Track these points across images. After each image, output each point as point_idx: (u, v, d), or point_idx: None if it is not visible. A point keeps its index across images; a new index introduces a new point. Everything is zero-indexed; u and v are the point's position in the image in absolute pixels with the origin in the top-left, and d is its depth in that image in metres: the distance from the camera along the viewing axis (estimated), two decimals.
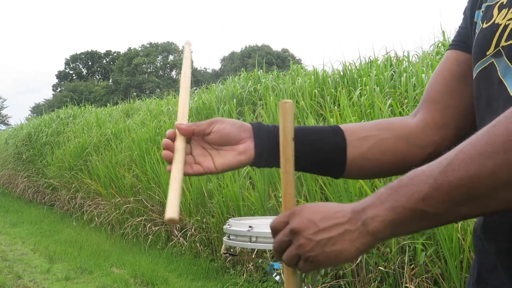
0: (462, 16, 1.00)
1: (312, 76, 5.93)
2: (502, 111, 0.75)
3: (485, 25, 0.85)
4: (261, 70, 7.35)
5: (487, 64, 0.84)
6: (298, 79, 6.03)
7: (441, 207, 0.64)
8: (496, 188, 0.61)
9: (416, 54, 5.50)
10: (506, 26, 0.81)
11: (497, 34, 0.82)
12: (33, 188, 11.85)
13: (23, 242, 7.18)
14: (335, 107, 4.76)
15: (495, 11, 0.84)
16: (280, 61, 44.39)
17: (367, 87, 4.67)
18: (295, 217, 0.73)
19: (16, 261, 5.98)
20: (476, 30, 0.89)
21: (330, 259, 0.70)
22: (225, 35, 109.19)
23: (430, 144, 0.96)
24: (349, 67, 5.67)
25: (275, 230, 0.76)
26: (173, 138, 0.91)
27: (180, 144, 0.88)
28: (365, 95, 4.58)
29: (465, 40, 0.96)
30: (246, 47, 53.72)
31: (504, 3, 0.83)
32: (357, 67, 5.68)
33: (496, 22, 0.83)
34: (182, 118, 0.93)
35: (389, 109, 4.08)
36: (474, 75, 0.88)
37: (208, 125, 0.91)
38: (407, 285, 3.27)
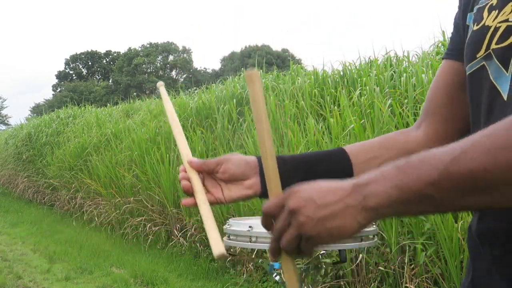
0: (453, 22, 0.99)
1: (312, 76, 5.93)
2: (497, 115, 0.75)
3: (475, 27, 0.85)
4: (261, 70, 7.35)
5: (478, 66, 0.83)
6: (298, 79, 6.03)
7: (448, 195, 0.63)
8: (509, 184, 0.60)
9: (416, 54, 5.50)
10: (496, 29, 0.80)
11: (488, 36, 0.81)
12: (33, 188, 11.85)
13: (23, 242, 7.18)
14: (335, 107, 4.76)
15: (485, 13, 0.83)
16: (280, 61, 44.38)
17: (367, 87, 4.67)
18: (291, 198, 0.70)
19: (16, 261, 5.98)
20: (469, 32, 0.89)
21: (332, 235, 0.68)
22: (225, 35, 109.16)
23: None
24: (349, 67, 5.67)
25: (268, 214, 0.73)
26: (184, 170, 0.98)
27: (196, 180, 0.94)
28: (365, 95, 4.58)
29: (458, 47, 0.95)
30: (246, 47, 53.74)
31: (494, 4, 0.82)
32: (357, 67, 5.68)
33: (486, 24, 0.82)
34: (185, 151, 1.01)
35: (389, 109, 4.08)
36: (466, 77, 0.87)
37: (215, 165, 0.96)
38: (407, 285, 3.27)
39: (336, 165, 0.95)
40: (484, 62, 0.82)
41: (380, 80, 4.84)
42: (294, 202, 0.69)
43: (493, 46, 0.80)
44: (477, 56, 0.83)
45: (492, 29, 0.81)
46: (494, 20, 0.81)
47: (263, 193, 0.95)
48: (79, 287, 4.88)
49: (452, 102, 0.96)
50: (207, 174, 0.97)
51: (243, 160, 0.96)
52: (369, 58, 5.91)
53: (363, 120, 4.15)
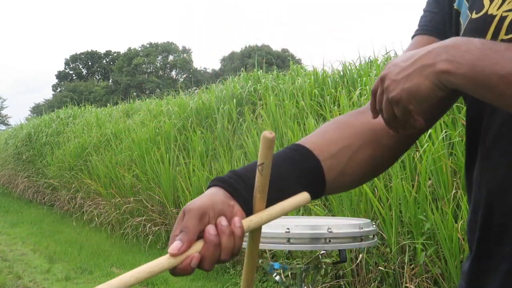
0: (430, 0, 0.94)
1: (312, 76, 5.93)
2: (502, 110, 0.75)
3: (475, 16, 0.81)
4: (261, 70, 7.34)
5: None
6: (298, 79, 6.03)
7: (510, 92, 0.65)
8: None
9: None
10: (503, 18, 0.77)
11: (493, 26, 0.78)
12: (33, 188, 11.85)
13: (23, 242, 7.18)
14: (335, 107, 4.76)
15: (486, 1, 0.80)
16: (280, 61, 44.38)
17: (367, 87, 4.67)
18: (386, 67, 0.75)
19: (16, 261, 5.98)
20: (461, 19, 0.85)
21: (410, 95, 0.70)
22: (225, 35, 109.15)
23: (402, 141, 0.90)
24: (349, 67, 5.67)
25: (374, 92, 0.78)
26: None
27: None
28: (365, 95, 4.58)
29: (439, 26, 0.90)
30: (246, 47, 53.73)
31: None
32: (357, 67, 5.68)
33: (489, 13, 0.79)
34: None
35: None
36: None
37: (199, 228, 0.71)
38: (407, 285, 3.27)
39: (306, 164, 0.81)
40: None
41: None
42: (384, 70, 0.74)
43: (502, 37, 0.77)
44: None
45: (497, 18, 0.78)
46: (498, 8, 0.78)
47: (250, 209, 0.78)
48: (79, 287, 4.88)
49: None
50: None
51: (216, 202, 0.74)
52: (369, 58, 5.91)
53: None
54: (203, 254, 0.70)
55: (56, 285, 4.96)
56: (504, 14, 0.77)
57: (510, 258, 0.76)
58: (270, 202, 0.74)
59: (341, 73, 5.73)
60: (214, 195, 0.73)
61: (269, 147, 0.70)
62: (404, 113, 0.72)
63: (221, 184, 0.74)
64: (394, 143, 0.89)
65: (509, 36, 0.76)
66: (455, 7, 0.87)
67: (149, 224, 6.46)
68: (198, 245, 0.70)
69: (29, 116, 33.20)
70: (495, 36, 0.77)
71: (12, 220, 9.24)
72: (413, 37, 0.95)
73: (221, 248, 0.70)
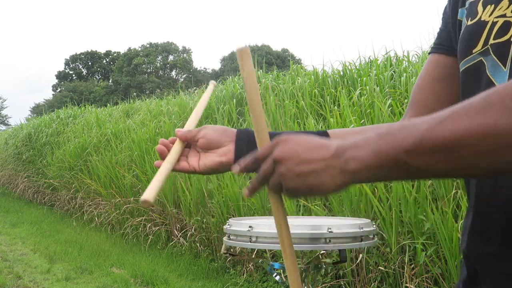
0: (442, 17, 0.99)
1: (312, 76, 5.93)
2: None
3: (470, 22, 0.84)
4: (261, 70, 7.35)
5: (474, 61, 0.82)
6: (298, 79, 6.03)
7: (422, 162, 0.63)
8: (480, 153, 0.60)
9: (416, 54, 5.50)
10: (494, 24, 0.79)
11: (485, 31, 0.80)
12: (33, 188, 11.85)
13: (23, 242, 7.18)
14: (335, 107, 4.76)
15: (480, 8, 0.83)
16: (280, 61, 44.40)
17: (367, 87, 4.67)
18: (279, 146, 0.73)
19: (16, 261, 5.98)
20: (462, 27, 0.88)
21: (311, 190, 0.70)
22: (225, 35, 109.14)
23: None
24: (349, 67, 5.67)
25: (258, 159, 0.76)
26: (173, 142, 1.02)
27: (176, 147, 1.00)
28: (365, 95, 4.58)
29: (445, 42, 0.95)
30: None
31: None
32: (357, 67, 5.68)
33: (482, 19, 0.81)
34: (188, 126, 1.03)
35: (389, 109, 4.08)
36: (460, 73, 0.86)
37: (197, 132, 1.00)
38: (407, 285, 3.27)
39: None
40: (481, 58, 0.81)
41: (380, 80, 4.84)
42: (279, 152, 0.72)
43: (491, 41, 0.79)
44: (473, 51, 0.82)
45: (489, 24, 0.80)
46: (490, 15, 0.80)
47: (236, 161, 0.94)
48: (79, 287, 4.88)
49: (437, 94, 0.96)
50: (192, 143, 1.02)
51: (222, 128, 1.01)
52: (369, 58, 5.92)
53: (363, 120, 4.15)
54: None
55: (56, 285, 4.95)
56: (495, 20, 0.79)
57: (498, 260, 0.77)
58: None
59: (341, 73, 5.73)
60: (228, 128, 1.03)
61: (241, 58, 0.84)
62: (293, 195, 0.73)
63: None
64: None
65: (497, 41, 0.78)
66: (459, 18, 0.91)
67: (149, 224, 6.46)
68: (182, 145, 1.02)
69: (29, 116, 33.22)
70: (486, 40, 0.80)
71: (12, 220, 9.24)
72: (429, 53, 1.02)
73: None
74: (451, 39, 0.93)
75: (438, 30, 1.00)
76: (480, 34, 0.81)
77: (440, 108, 0.92)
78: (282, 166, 0.71)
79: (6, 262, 5.88)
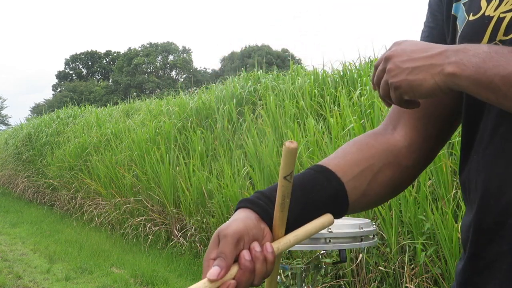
0: (428, 12, 0.96)
1: (312, 76, 5.93)
2: (499, 110, 0.75)
3: (472, 18, 0.82)
4: (261, 70, 7.35)
5: None
6: (298, 79, 6.04)
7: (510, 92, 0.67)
8: None
9: None
10: (501, 19, 0.77)
11: (490, 27, 0.78)
12: (33, 188, 11.85)
13: (23, 242, 7.18)
14: (335, 107, 4.76)
15: (483, 3, 0.81)
16: (280, 61, 44.37)
17: (367, 87, 4.67)
18: (392, 47, 0.77)
19: (16, 261, 5.98)
20: (458, 23, 0.86)
21: (411, 87, 0.73)
22: (225, 35, 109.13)
23: (420, 160, 0.92)
24: (349, 67, 5.68)
25: (376, 66, 0.81)
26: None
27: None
28: (365, 95, 4.58)
29: (436, 41, 0.90)
30: (246, 47, 53.72)
31: None
32: (357, 67, 5.69)
33: (486, 14, 0.79)
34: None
35: (389, 109, 4.07)
36: None
37: (235, 253, 0.73)
38: (407, 285, 3.27)
39: (330, 187, 0.83)
40: None
41: None
42: (392, 50, 0.77)
43: (501, 37, 0.77)
44: None
45: (495, 19, 0.78)
46: (495, 10, 0.79)
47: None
48: (79, 287, 4.88)
49: (439, 101, 0.91)
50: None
51: (250, 223, 0.76)
52: (369, 58, 5.92)
53: (363, 120, 4.15)
54: (238, 279, 0.71)
55: (56, 285, 4.95)
56: (502, 15, 0.77)
57: (507, 257, 0.76)
58: (295, 222, 0.78)
59: (341, 73, 5.73)
60: (247, 219, 0.75)
61: (294, 157, 0.73)
62: (399, 99, 0.76)
63: (252, 207, 0.77)
64: (413, 163, 0.92)
65: (509, 37, 0.76)
66: (453, 13, 0.88)
67: (149, 224, 6.46)
68: (233, 270, 0.72)
69: (29, 116, 33.22)
70: (493, 37, 0.78)
71: (12, 220, 9.24)
72: None
73: (255, 274, 0.72)
74: (445, 38, 0.90)
75: (425, 26, 0.96)
76: (485, 30, 0.79)
77: (434, 113, 0.90)
78: (390, 63, 0.76)
79: (6, 262, 5.88)
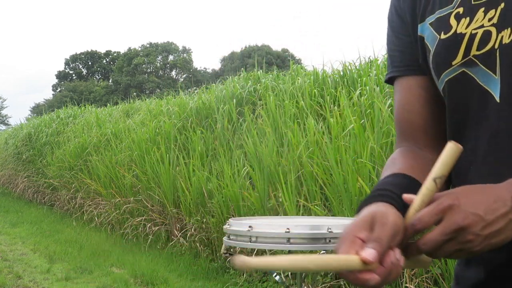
0: (393, 36, 0.96)
1: (312, 76, 5.93)
2: (491, 116, 0.79)
3: (444, 36, 0.85)
4: (261, 70, 7.35)
5: (456, 73, 0.84)
6: (298, 79, 6.04)
7: None
8: None
9: None
10: (473, 35, 0.81)
11: (464, 43, 0.82)
12: (33, 188, 11.85)
13: (23, 242, 7.18)
14: (335, 107, 4.76)
15: (453, 21, 0.84)
16: (280, 61, 44.38)
17: (367, 87, 4.67)
18: (454, 212, 0.68)
19: (16, 261, 5.98)
20: (427, 42, 0.88)
21: (492, 247, 0.70)
22: (225, 35, 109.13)
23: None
24: (349, 67, 5.67)
25: (423, 227, 0.70)
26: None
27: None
28: (365, 95, 4.58)
29: (412, 63, 0.92)
30: (246, 47, 53.74)
31: (461, 12, 0.84)
32: (357, 67, 5.68)
33: (458, 31, 0.83)
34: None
35: (389, 109, 4.08)
36: (441, 86, 0.87)
37: (389, 244, 0.72)
38: (407, 285, 3.27)
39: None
40: (464, 69, 0.83)
41: (380, 79, 4.84)
42: (463, 219, 0.68)
43: (474, 52, 0.81)
44: (453, 63, 0.84)
45: (467, 36, 0.82)
46: (467, 27, 0.82)
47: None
48: (79, 287, 4.88)
49: (436, 118, 0.92)
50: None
51: (398, 224, 0.73)
52: (369, 58, 5.91)
53: (363, 120, 4.15)
54: (378, 274, 0.69)
55: (56, 285, 4.95)
56: (474, 31, 0.81)
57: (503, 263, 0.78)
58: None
59: (341, 73, 5.73)
60: (399, 219, 0.73)
61: (455, 159, 0.72)
62: (466, 256, 0.72)
63: (397, 206, 0.75)
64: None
65: (482, 51, 0.80)
66: (419, 34, 0.90)
67: (149, 224, 6.46)
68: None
69: (29, 116, 33.23)
70: (467, 52, 0.82)
71: (12, 220, 9.24)
72: (390, 79, 0.97)
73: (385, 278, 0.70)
74: (417, 59, 0.91)
75: (394, 50, 0.96)
76: (459, 47, 0.82)
77: (438, 129, 0.91)
78: (469, 234, 0.68)
79: (6, 262, 5.88)
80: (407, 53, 0.93)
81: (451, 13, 0.85)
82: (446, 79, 0.86)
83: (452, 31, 0.84)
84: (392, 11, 0.96)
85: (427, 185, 0.72)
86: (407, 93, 0.94)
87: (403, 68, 0.94)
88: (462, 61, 0.83)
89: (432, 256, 0.73)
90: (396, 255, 0.70)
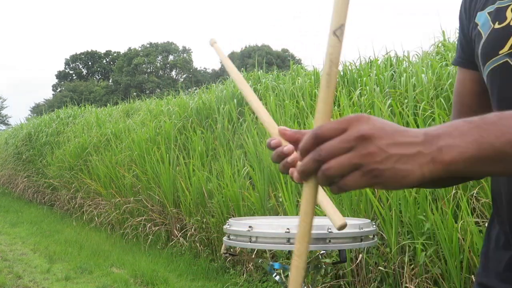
0: (459, 29, 1.04)
1: (312, 76, 5.93)
2: None
3: (497, 26, 0.90)
4: (261, 70, 7.35)
5: (500, 62, 0.88)
6: (298, 79, 6.04)
7: None
8: None
9: (416, 54, 5.51)
10: None
11: None
12: (33, 188, 11.85)
13: (23, 242, 7.18)
14: (335, 107, 4.76)
15: (509, 13, 0.89)
16: (280, 61, 44.38)
17: (367, 87, 4.67)
18: (361, 123, 0.61)
19: (16, 261, 5.98)
20: (481, 30, 0.93)
21: (395, 179, 0.61)
22: (225, 35, 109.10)
23: None
24: (349, 67, 5.67)
25: (323, 137, 0.62)
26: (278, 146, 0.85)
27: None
28: (365, 95, 4.58)
29: (467, 57, 1.01)
30: (246, 47, 53.74)
31: None
32: (357, 67, 5.68)
33: (511, 24, 0.88)
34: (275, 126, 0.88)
35: (389, 109, 4.08)
36: (486, 74, 0.91)
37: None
38: (407, 285, 3.27)
39: None
40: (507, 59, 0.87)
41: (380, 80, 4.84)
42: (367, 128, 0.61)
43: None
44: (500, 52, 0.88)
45: None
46: None
47: None
48: (79, 287, 4.88)
49: (488, 109, 0.96)
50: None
51: None
52: (369, 58, 5.91)
53: None
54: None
55: (56, 285, 4.95)
56: None
57: None
58: None
59: (341, 73, 5.73)
60: None
61: (347, 3, 0.64)
62: (362, 184, 0.62)
63: None
64: None
65: None
66: (476, 21, 0.96)
67: (149, 224, 6.46)
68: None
69: (29, 116, 33.22)
70: None
71: (12, 220, 9.23)
72: (454, 63, 1.08)
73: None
74: (473, 53, 0.98)
75: (459, 40, 1.05)
76: (508, 39, 0.87)
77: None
78: (371, 144, 0.60)
79: (6, 262, 5.88)
80: (466, 47, 1.01)
81: (509, 5, 0.89)
82: (491, 67, 0.90)
83: (506, 22, 0.88)
84: (462, 4, 1.04)
85: (330, 42, 0.66)
86: (460, 85, 1.05)
87: (460, 60, 1.04)
88: (508, 51, 0.86)
89: (327, 171, 0.62)
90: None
